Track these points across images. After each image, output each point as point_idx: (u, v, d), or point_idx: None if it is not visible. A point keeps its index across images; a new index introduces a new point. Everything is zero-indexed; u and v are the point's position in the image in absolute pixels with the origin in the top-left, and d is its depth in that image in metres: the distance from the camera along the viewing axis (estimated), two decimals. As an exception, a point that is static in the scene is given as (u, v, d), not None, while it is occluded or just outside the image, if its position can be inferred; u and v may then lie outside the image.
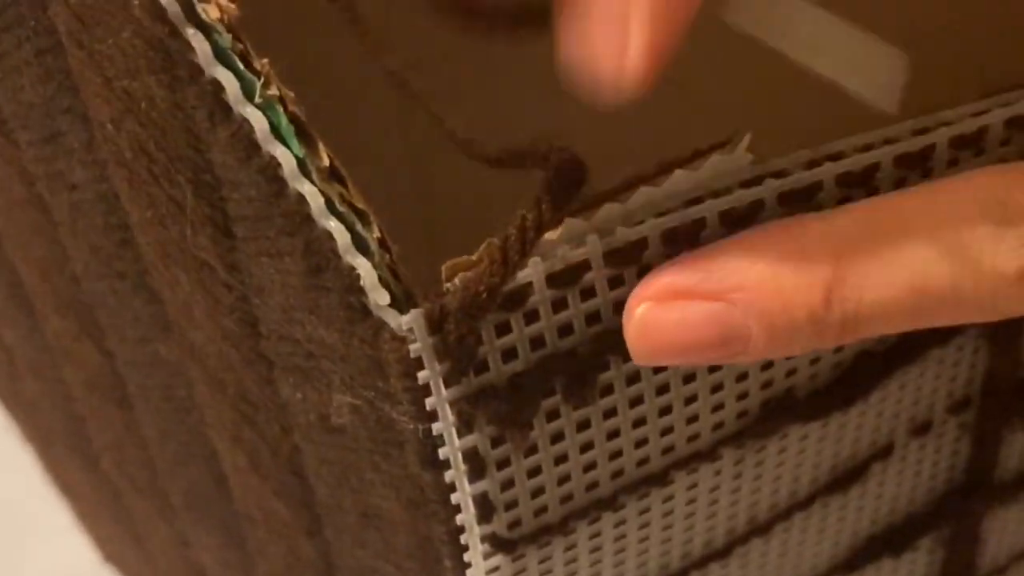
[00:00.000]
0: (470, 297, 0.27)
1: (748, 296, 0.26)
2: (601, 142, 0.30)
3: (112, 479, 0.46)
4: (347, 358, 0.29)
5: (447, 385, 0.28)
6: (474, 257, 0.27)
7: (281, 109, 0.27)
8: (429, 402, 0.28)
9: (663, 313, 0.27)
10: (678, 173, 0.28)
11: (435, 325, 0.27)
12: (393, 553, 0.34)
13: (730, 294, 0.26)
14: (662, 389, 0.29)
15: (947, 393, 0.33)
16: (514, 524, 0.29)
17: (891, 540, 0.36)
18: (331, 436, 0.32)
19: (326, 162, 0.27)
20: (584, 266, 0.28)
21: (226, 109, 0.27)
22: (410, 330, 0.27)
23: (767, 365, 0.30)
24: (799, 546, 0.35)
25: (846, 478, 0.34)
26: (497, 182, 0.29)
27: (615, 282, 0.28)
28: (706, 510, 0.32)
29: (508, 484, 0.29)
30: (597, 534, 0.31)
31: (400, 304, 0.27)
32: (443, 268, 0.27)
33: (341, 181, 0.27)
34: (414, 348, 0.27)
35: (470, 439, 0.28)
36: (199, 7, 0.26)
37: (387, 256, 0.27)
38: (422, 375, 0.27)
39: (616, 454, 0.29)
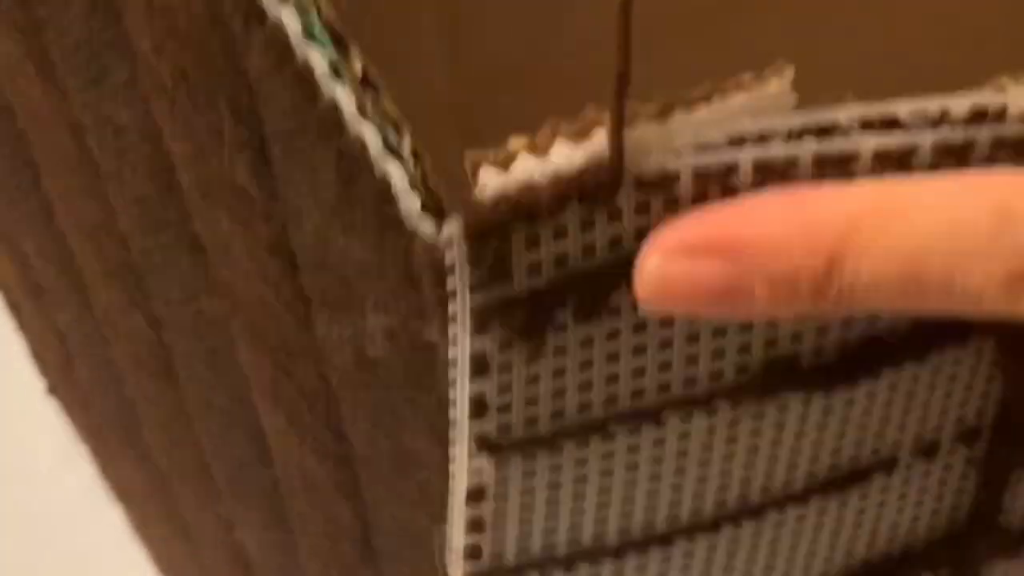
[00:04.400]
0: (510, 211, 0.27)
1: (758, 260, 0.27)
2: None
3: (161, 468, 0.46)
4: (380, 275, 0.29)
5: (471, 292, 0.28)
6: (501, 155, 0.27)
7: (316, 13, 0.27)
8: (451, 308, 0.28)
9: (676, 265, 0.28)
10: (717, 100, 0.28)
11: (473, 237, 0.27)
12: (427, 501, 0.34)
13: (741, 256, 0.27)
14: (666, 322, 0.29)
15: (957, 417, 0.33)
16: (504, 429, 0.30)
17: (885, 571, 0.36)
18: (366, 374, 0.32)
19: (359, 69, 0.27)
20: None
21: (261, 12, 0.27)
22: (447, 240, 0.27)
23: (772, 322, 0.30)
24: (791, 550, 0.34)
25: (845, 480, 0.33)
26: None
27: (641, 208, 0.28)
28: (696, 470, 0.31)
29: (505, 388, 0.29)
30: (584, 460, 0.30)
31: (432, 212, 0.27)
32: (467, 159, 0.27)
33: (374, 89, 0.27)
34: (448, 256, 0.27)
35: (480, 342, 0.28)
36: None
37: (419, 166, 0.28)
38: (450, 281, 0.27)
39: (612, 378, 0.30)
